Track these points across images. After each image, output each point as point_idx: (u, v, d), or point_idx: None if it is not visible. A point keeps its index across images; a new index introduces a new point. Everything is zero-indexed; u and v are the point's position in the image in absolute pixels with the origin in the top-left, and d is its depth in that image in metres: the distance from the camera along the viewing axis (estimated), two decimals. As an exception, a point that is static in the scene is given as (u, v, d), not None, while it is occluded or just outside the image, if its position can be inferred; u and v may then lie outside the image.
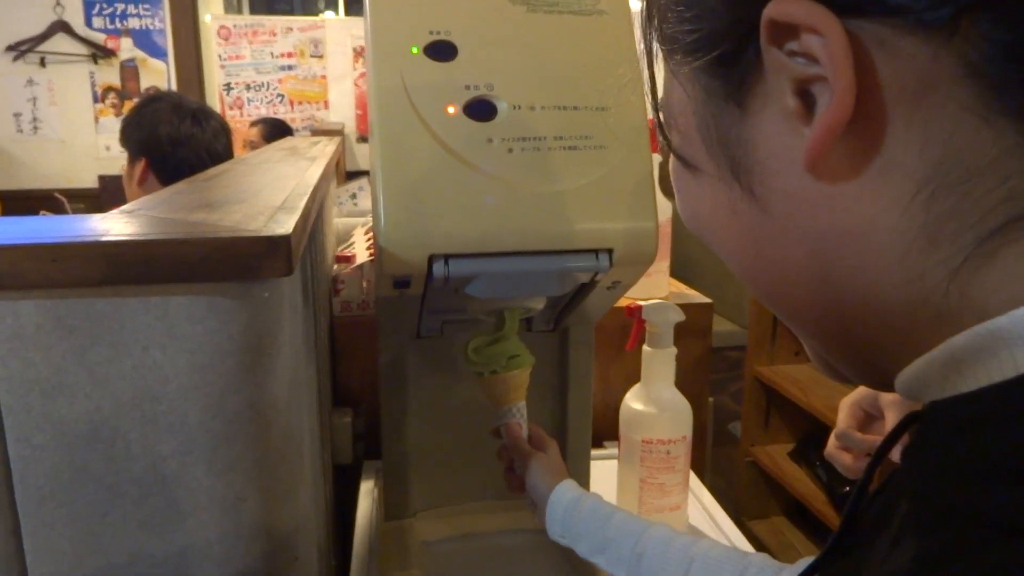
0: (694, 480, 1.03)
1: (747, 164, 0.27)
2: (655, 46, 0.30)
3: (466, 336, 0.75)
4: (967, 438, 0.22)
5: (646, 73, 0.31)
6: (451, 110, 0.62)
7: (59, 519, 0.43)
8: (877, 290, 0.25)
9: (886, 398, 0.70)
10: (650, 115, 0.66)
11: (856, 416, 0.72)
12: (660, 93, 0.32)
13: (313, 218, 0.66)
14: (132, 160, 1.38)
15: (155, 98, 1.41)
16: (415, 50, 0.63)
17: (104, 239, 0.42)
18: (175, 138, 1.34)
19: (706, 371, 1.22)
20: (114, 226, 0.46)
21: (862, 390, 0.73)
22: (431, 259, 0.61)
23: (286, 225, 0.46)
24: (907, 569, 0.22)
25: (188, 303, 0.43)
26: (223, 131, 1.41)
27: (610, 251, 0.64)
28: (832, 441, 0.73)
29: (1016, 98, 0.21)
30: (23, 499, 0.43)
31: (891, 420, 0.68)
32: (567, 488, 0.68)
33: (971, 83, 0.22)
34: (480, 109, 0.63)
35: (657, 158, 1.02)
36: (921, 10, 0.22)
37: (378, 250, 0.61)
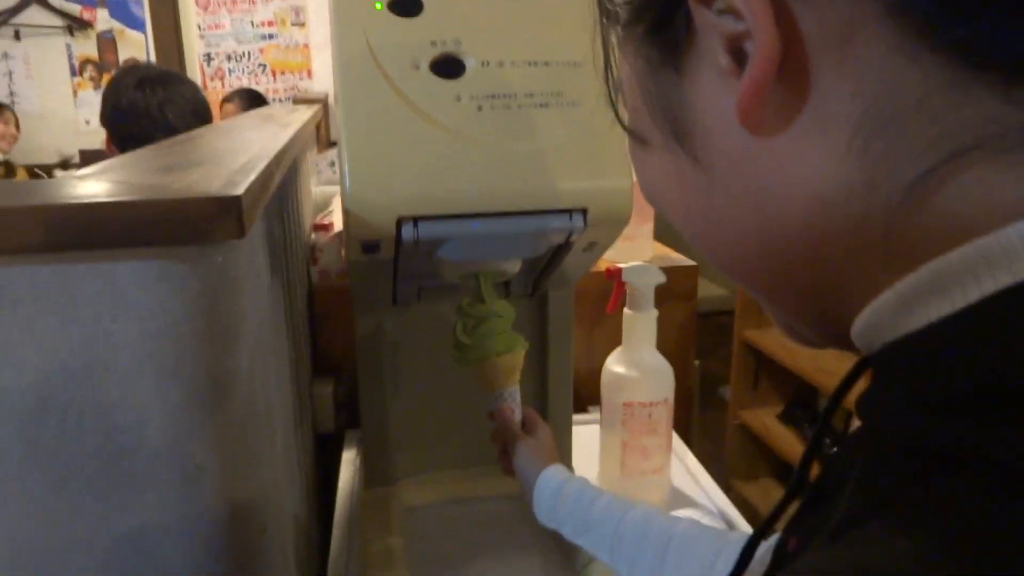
0: (679, 443, 1.02)
1: (688, 128, 0.27)
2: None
3: (444, 304, 0.74)
4: (916, 374, 0.22)
5: (600, 55, 0.31)
6: (417, 67, 0.60)
7: (11, 496, 0.42)
8: (824, 242, 0.25)
9: None
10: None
11: None
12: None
13: (277, 181, 0.63)
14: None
15: (125, 71, 1.39)
16: (379, 5, 0.61)
17: (43, 203, 0.40)
18: (119, 108, 1.35)
19: (691, 335, 1.21)
20: (59, 191, 0.44)
21: None
22: (399, 222, 0.60)
23: (239, 186, 0.44)
24: (858, 507, 0.22)
25: (137, 269, 0.41)
26: (181, 98, 1.36)
27: (584, 211, 0.63)
28: None
29: (942, 33, 0.21)
30: (-27, 475, 0.41)
31: None
32: (553, 473, 0.68)
33: (894, 22, 0.21)
34: (447, 66, 0.61)
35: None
36: None
37: (345, 213, 0.60)
